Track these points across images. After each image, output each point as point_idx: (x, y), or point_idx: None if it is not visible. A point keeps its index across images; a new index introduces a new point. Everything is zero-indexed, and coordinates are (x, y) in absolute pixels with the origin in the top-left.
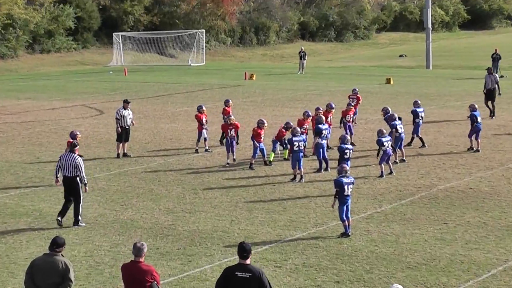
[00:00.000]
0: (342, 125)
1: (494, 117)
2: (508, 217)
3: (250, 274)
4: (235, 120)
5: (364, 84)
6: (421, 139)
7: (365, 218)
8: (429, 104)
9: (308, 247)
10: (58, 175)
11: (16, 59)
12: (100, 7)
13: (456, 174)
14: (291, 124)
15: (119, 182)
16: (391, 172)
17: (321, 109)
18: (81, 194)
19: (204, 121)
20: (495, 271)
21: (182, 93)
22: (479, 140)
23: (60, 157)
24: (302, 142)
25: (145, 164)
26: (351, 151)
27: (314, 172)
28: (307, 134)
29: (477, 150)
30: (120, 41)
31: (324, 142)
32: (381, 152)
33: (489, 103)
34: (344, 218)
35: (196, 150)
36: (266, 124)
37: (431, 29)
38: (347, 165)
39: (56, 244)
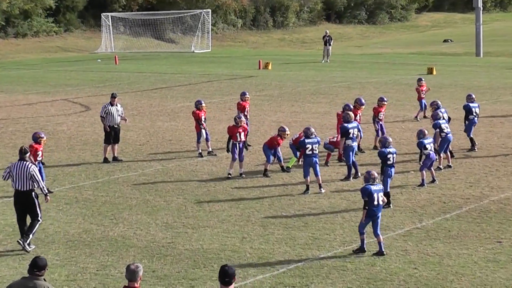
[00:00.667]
0: (375, 124)
1: None
2: None
3: None
4: (244, 122)
5: (402, 75)
6: (471, 140)
7: (403, 235)
8: (479, 99)
9: (334, 269)
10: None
11: None
12: None
13: (511, 182)
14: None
15: (108, 192)
16: (433, 181)
17: (350, 106)
18: (40, 210)
19: (202, 119)
20: None
21: (184, 86)
22: None
23: (9, 167)
24: (317, 145)
25: (140, 170)
26: (394, 155)
27: (341, 180)
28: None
29: None
30: (110, 24)
31: (354, 144)
32: (423, 157)
33: None
34: (364, 231)
35: (200, 153)
36: (288, 133)
37: (482, 8)
38: (391, 172)
39: (37, 267)
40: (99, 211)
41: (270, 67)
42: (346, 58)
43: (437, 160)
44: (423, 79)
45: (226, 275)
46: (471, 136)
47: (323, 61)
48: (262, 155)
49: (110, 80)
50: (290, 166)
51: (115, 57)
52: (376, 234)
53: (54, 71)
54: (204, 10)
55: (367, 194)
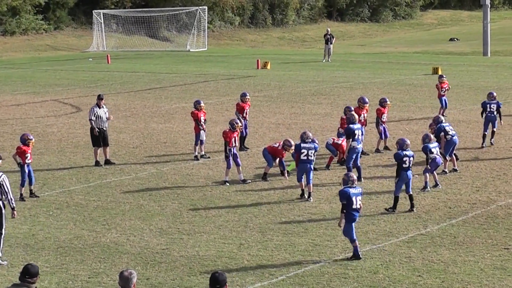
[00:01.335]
0: (378, 127)
1: None
2: None
3: None
4: (240, 126)
5: (406, 75)
6: (484, 137)
7: (406, 241)
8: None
9: (335, 277)
10: None
11: None
12: None
13: None
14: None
15: (100, 196)
16: (436, 185)
17: (351, 108)
18: (4, 223)
19: (202, 121)
20: None
21: (179, 86)
22: None
23: None
24: (313, 151)
25: (133, 173)
26: (411, 158)
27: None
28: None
29: None
30: (102, 21)
31: (360, 146)
32: (429, 161)
33: None
34: (355, 237)
35: (196, 156)
36: (293, 148)
37: (489, 6)
38: (409, 175)
39: (29, 274)
40: (91, 216)
41: (269, 67)
42: (348, 58)
43: (443, 163)
44: (444, 76)
45: (216, 281)
46: (485, 133)
47: (324, 60)
48: (260, 159)
49: (102, 80)
50: (290, 171)
51: (107, 56)
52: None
53: (44, 70)
54: (200, 7)
55: (345, 198)
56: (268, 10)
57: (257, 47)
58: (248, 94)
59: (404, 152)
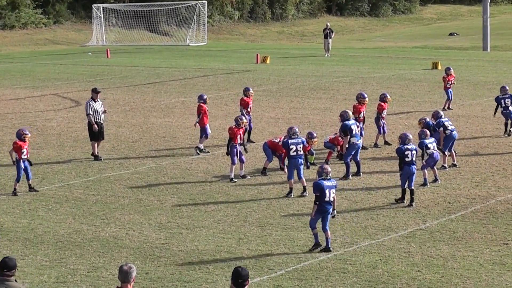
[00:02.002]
0: (378, 121)
1: None
2: None
3: None
4: (246, 122)
5: (405, 70)
6: (506, 125)
7: (406, 236)
8: (486, 95)
9: (334, 272)
10: None
11: None
12: None
13: None
14: (314, 134)
15: (100, 191)
16: (436, 180)
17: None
18: None
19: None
20: None
21: (178, 80)
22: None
23: None
24: (301, 145)
25: (132, 168)
26: (413, 151)
27: (341, 178)
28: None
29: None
30: (101, 15)
31: (359, 142)
32: (426, 156)
33: None
34: (316, 226)
35: (199, 149)
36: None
37: (489, 0)
38: (413, 169)
39: (7, 267)
40: (90, 210)
41: (268, 61)
42: (347, 52)
43: (443, 158)
44: (451, 68)
45: (239, 276)
46: (506, 122)
47: (326, 55)
48: (260, 153)
49: (102, 74)
50: (312, 162)
51: (107, 50)
52: (324, 230)
53: (43, 64)
54: (200, 1)
55: (319, 190)
56: (268, 5)
57: (257, 42)
58: (251, 89)
59: (406, 146)
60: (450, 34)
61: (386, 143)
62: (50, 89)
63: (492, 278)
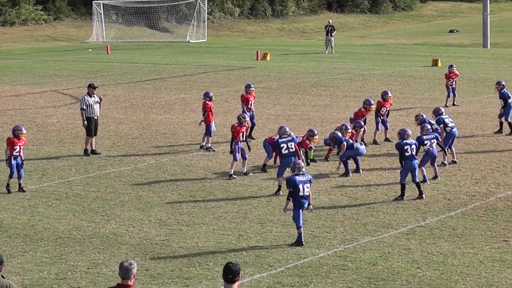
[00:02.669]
0: (376, 118)
1: None
2: None
3: None
4: (248, 121)
5: (406, 67)
6: (509, 124)
7: (405, 233)
8: (486, 92)
9: (334, 269)
10: None
11: None
12: None
13: None
14: (315, 132)
15: (100, 187)
16: (435, 177)
17: (349, 127)
18: None
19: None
20: None
21: (179, 77)
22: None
23: None
24: (292, 143)
25: (132, 164)
26: (413, 146)
27: (341, 175)
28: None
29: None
30: (102, 12)
31: (362, 148)
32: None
33: None
34: (301, 224)
35: (203, 147)
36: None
37: None
38: (414, 164)
39: None
40: (90, 207)
41: (268, 58)
42: (348, 49)
43: (444, 155)
44: (454, 66)
45: (229, 271)
46: (509, 120)
47: (327, 52)
48: (260, 150)
49: (102, 70)
50: (312, 158)
51: (107, 46)
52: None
53: (43, 61)
54: None
55: (292, 185)
56: (268, 1)
57: (257, 38)
58: (252, 86)
59: (405, 141)
60: (450, 31)
61: (387, 139)
62: (50, 85)
63: (492, 275)
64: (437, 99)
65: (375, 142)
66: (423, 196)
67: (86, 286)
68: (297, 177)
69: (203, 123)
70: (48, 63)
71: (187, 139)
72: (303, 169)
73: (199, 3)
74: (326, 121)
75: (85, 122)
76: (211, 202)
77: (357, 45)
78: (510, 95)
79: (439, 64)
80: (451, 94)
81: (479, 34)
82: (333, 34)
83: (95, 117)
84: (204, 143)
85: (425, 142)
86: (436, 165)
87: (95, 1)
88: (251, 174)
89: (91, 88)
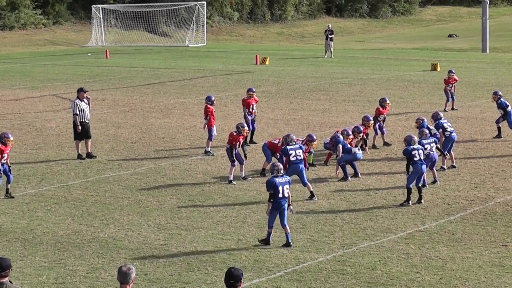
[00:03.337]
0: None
1: None
2: None
3: None
4: (247, 130)
5: (405, 71)
6: (499, 128)
7: (405, 238)
8: (485, 97)
9: (333, 273)
10: None
11: None
12: None
13: None
14: (314, 137)
15: (99, 191)
16: (435, 181)
17: (349, 131)
18: None
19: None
20: None
21: (178, 81)
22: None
23: None
24: (300, 150)
25: (131, 169)
26: (419, 151)
27: (340, 180)
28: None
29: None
30: (101, 16)
31: (360, 152)
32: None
33: None
34: (273, 225)
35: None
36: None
37: (488, 2)
38: (423, 168)
39: (1, 268)
40: (89, 211)
41: (267, 62)
42: (347, 54)
43: (443, 159)
44: (453, 71)
45: (231, 276)
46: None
47: (326, 56)
48: (259, 154)
49: (101, 75)
50: (311, 162)
51: (106, 51)
52: (283, 225)
53: (42, 65)
54: (199, 2)
55: (272, 187)
56: (267, 6)
57: (256, 43)
58: (254, 89)
59: (412, 147)
60: (449, 36)
61: (385, 144)
62: (49, 89)
63: (491, 280)
64: (436, 104)
65: (374, 146)
66: (422, 200)
67: None
68: (276, 179)
69: (206, 126)
70: (47, 67)
71: (186, 143)
72: (282, 171)
73: (198, 8)
74: (325, 126)
75: (80, 127)
76: (210, 207)
77: (356, 50)
78: (507, 103)
79: (438, 69)
80: (450, 99)
81: (478, 38)
82: (332, 39)
83: (86, 121)
84: (209, 148)
85: (426, 146)
86: (435, 170)
87: (94, 6)
88: (250, 178)
89: (82, 92)
